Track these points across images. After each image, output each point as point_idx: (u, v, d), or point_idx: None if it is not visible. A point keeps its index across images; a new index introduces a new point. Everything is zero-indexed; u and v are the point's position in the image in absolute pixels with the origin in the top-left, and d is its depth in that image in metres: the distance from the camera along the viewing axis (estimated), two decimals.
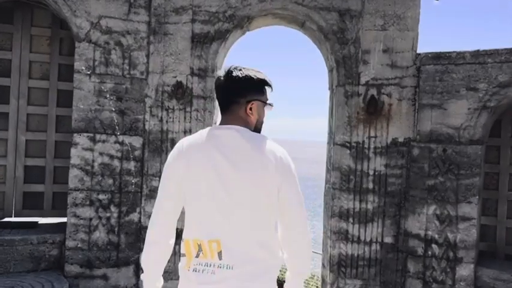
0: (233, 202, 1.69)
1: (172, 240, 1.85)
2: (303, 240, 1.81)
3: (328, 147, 4.82)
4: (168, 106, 4.41)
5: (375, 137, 4.37)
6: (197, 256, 1.70)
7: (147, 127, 4.42)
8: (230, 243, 1.68)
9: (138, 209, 4.42)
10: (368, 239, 4.38)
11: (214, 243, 1.67)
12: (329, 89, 4.97)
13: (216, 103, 4.80)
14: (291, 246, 1.82)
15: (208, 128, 1.82)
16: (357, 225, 4.38)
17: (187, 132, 4.40)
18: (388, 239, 4.38)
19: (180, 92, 4.39)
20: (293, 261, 1.87)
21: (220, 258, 1.67)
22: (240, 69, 1.78)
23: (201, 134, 1.80)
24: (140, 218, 4.42)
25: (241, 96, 1.78)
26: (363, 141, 4.37)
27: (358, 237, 4.38)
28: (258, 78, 1.79)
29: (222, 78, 1.79)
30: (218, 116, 4.22)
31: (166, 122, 4.41)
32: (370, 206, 4.37)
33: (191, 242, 1.72)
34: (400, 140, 4.36)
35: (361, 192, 4.38)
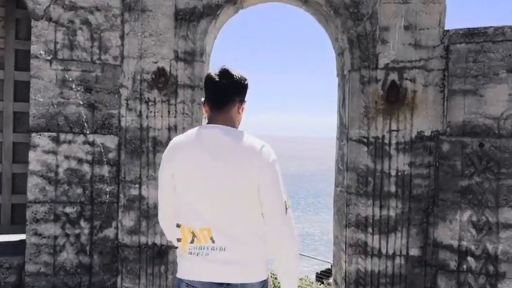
0: (219, 194, 1.80)
1: None
2: (282, 230, 1.81)
3: (339, 143, 4.10)
4: (148, 98, 3.64)
5: (397, 130, 3.66)
6: (192, 242, 1.83)
7: (123, 124, 3.65)
8: (220, 228, 1.80)
9: (114, 223, 3.65)
10: (390, 252, 3.68)
11: (205, 231, 1.81)
12: (337, 75, 4.25)
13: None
14: (271, 235, 1.83)
15: (196, 128, 1.93)
16: (377, 236, 3.68)
17: (171, 129, 3.64)
18: (414, 252, 3.69)
19: (162, 80, 3.63)
20: (278, 255, 1.85)
21: (213, 242, 1.80)
22: (233, 69, 1.90)
23: (188, 133, 1.93)
24: (117, 233, 3.65)
25: (237, 95, 1.90)
26: (383, 136, 3.67)
27: (379, 250, 3.68)
28: (247, 80, 1.94)
29: (216, 75, 1.87)
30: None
31: (147, 117, 3.65)
32: (392, 213, 3.68)
33: (186, 229, 1.85)
34: (427, 133, 3.66)
35: (381, 196, 3.68)
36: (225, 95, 1.88)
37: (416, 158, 3.66)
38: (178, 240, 1.88)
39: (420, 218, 3.68)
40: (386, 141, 3.67)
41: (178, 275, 1.91)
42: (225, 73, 1.88)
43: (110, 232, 3.64)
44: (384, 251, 3.68)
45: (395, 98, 3.64)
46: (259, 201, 1.83)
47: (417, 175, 3.67)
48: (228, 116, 1.89)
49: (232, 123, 1.90)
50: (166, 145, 3.65)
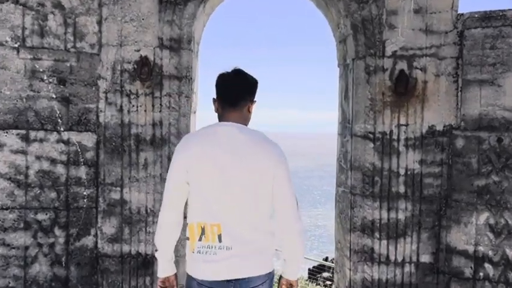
0: (231, 190, 1.89)
1: (181, 222, 2.04)
2: (295, 228, 1.96)
3: (341, 139, 3.75)
4: (130, 90, 3.25)
5: (406, 125, 3.32)
6: (200, 240, 1.92)
7: (101, 120, 3.26)
8: (229, 226, 1.89)
9: (92, 231, 3.27)
10: (400, 259, 3.35)
11: (215, 227, 1.90)
12: (339, 65, 3.90)
13: (195, 86, 3.53)
14: (283, 231, 1.97)
15: (209, 125, 2.01)
16: (384, 241, 3.35)
17: (156, 125, 3.26)
18: (425, 258, 3.36)
19: (145, 70, 3.24)
20: (287, 248, 2.02)
21: (220, 241, 1.89)
22: (244, 71, 2.04)
23: (202, 130, 2.01)
24: (96, 242, 3.27)
25: (249, 95, 2.03)
26: (391, 131, 3.33)
27: (387, 257, 3.35)
28: (257, 82, 2.07)
29: (230, 74, 2.00)
30: (198, 105, 3.47)
31: (128, 112, 3.26)
32: (401, 216, 3.34)
33: (195, 225, 1.94)
34: (439, 128, 3.33)
35: (389, 198, 3.34)
36: (238, 94, 2.00)
37: (428, 155, 3.33)
38: (187, 238, 1.98)
39: (432, 221, 3.35)
40: (395, 136, 3.32)
41: (188, 272, 2.00)
42: (238, 73, 2.01)
43: (88, 241, 3.26)
44: (392, 257, 3.35)
45: (404, 89, 3.30)
46: (270, 199, 1.94)
47: (428, 174, 3.33)
48: (241, 115, 2.00)
49: (244, 121, 2.02)
50: (151, 143, 3.30)
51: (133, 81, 3.25)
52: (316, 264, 12.28)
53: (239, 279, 1.89)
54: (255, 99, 2.07)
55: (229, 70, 2.02)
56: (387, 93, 3.31)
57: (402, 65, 3.30)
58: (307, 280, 11.82)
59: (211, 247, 1.90)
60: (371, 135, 3.33)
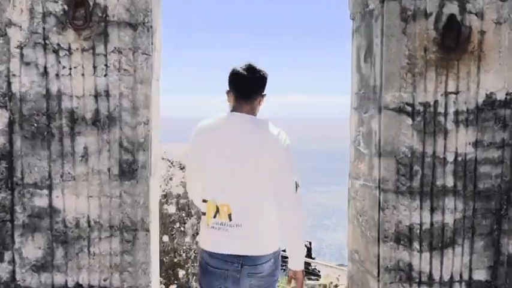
0: (238, 175, 2.09)
1: None
2: (291, 213, 2.13)
3: (360, 115, 2.78)
4: (59, 44, 2.17)
5: (457, 92, 2.39)
6: (214, 217, 2.12)
7: (16, 89, 2.17)
8: (237, 207, 2.10)
9: (7, 255, 2.20)
10: (446, 277, 2.45)
11: (225, 207, 2.10)
12: (353, 16, 2.91)
13: (158, 41, 2.39)
14: (281, 221, 2.15)
15: (223, 114, 2.19)
16: (426, 254, 2.44)
17: (100, 95, 2.20)
18: (480, 274, 2.48)
19: (81, 13, 2.16)
20: (284, 226, 2.17)
21: (230, 219, 2.10)
22: (257, 65, 2.17)
23: (217, 118, 2.20)
24: (14, 271, 2.20)
25: (261, 89, 2.22)
26: (436, 102, 2.39)
27: (430, 275, 2.44)
28: (267, 75, 2.23)
29: (243, 69, 2.14)
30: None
31: (57, 76, 2.18)
32: (449, 219, 2.43)
33: (211, 203, 2.14)
34: (500, 96, 2.41)
35: (433, 194, 2.42)
36: (251, 88, 2.18)
37: (485, 134, 2.42)
38: (203, 214, 2.19)
39: (489, 225, 2.46)
40: (441, 109, 2.39)
41: (201, 246, 2.22)
42: (251, 69, 2.16)
43: (1, 270, 2.19)
44: (436, 276, 2.45)
45: (454, 43, 2.35)
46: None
47: (485, 160, 2.43)
48: (252, 106, 2.19)
49: (254, 113, 2.21)
50: (93, 123, 1.96)
51: (64, 29, 2.16)
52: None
53: (246, 256, 2.08)
54: (264, 93, 2.23)
55: (242, 65, 2.13)
56: (431, 48, 2.35)
57: (452, 8, 2.34)
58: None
59: (224, 224, 2.09)
60: (409, 108, 2.38)
